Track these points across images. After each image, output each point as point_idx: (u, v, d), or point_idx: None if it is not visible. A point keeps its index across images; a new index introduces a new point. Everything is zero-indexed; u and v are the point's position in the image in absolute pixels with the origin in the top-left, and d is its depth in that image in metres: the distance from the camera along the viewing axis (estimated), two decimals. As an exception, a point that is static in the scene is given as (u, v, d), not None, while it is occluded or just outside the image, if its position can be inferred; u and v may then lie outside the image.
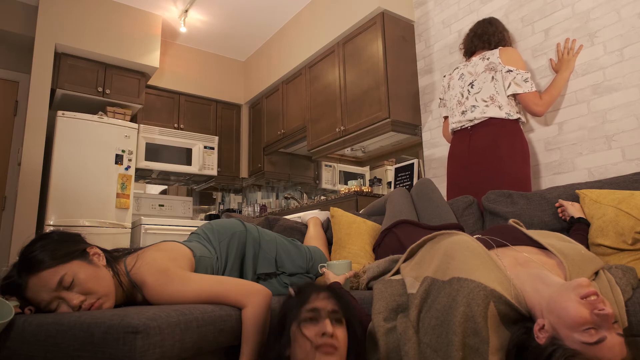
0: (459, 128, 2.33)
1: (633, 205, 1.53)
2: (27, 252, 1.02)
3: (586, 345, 0.88)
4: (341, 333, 0.95)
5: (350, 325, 1.00)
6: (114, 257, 1.16)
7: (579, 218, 1.66)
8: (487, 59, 2.28)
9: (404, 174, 3.07)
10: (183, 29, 4.00)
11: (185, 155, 4.09)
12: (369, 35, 3.17)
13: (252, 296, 1.08)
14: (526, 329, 1.01)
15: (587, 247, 1.56)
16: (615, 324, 0.91)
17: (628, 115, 2.05)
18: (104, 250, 1.15)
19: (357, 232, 1.93)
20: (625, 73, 2.08)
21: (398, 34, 3.16)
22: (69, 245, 1.07)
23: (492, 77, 2.24)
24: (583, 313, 0.89)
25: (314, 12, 3.75)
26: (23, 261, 1.01)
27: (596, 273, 1.21)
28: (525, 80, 2.17)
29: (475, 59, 2.36)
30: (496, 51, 2.27)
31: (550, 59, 2.36)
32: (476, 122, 2.25)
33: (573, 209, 1.72)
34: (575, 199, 1.80)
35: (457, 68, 2.46)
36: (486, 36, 2.36)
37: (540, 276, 1.06)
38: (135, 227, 3.51)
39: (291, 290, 1.03)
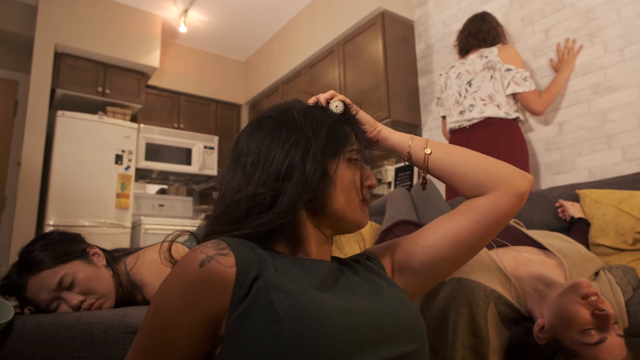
0: (457, 127, 2.32)
1: (633, 205, 1.53)
2: (26, 252, 1.02)
3: (586, 346, 0.88)
4: None
5: None
6: (114, 257, 1.16)
7: (579, 218, 1.67)
8: (486, 57, 2.27)
9: (404, 174, 3.07)
10: (183, 29, 3.99)
11: (185, 155, 4.09)
12: (369, 35, 3.17)
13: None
14: (526, 330, 1.01)
15: (588, 247, 1.56)
16: (616, 325, 0.91)
17: (628, 115, 2.05)
18: (104, 251, 1.15)
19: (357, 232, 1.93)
20: (625, 73, 2.08)
21: (398, 34, 3.15)
22: (69, 245, 1.07)
23: (491, 76, 2.23)
24: (583, 314, 0.89)
25: (314, 12, 3.75)
26: (23, 261, 1.01)
27: (596, 273, 1.21)
28: (525, 79, 2.17)
29: (472, 56, 2.35)
30: (494, 49, 2.26)
31: (551, 59, 2.36)
32: (474, 121, 2.24)
33: (573, 209, 1.72)
34: (576, 199, 1.80)
35: (454, 66, 2.44)
36: (481, 34, 2.35)
37: (540, 276, 1.06)
38: (135, 227, 3.51)
39: (333, 102, 0.74)
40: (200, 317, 0.54)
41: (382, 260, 0.77)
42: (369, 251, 0.79)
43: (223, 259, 0.55)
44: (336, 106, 0.74)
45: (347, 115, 0.75)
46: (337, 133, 0.70)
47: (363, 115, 0.78)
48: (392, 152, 0.79)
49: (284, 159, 0.65)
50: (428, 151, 0.75)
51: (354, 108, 0.78)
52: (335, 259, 0.75)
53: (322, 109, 0.73)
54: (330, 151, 0.67)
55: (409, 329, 0.61)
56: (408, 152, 0.76)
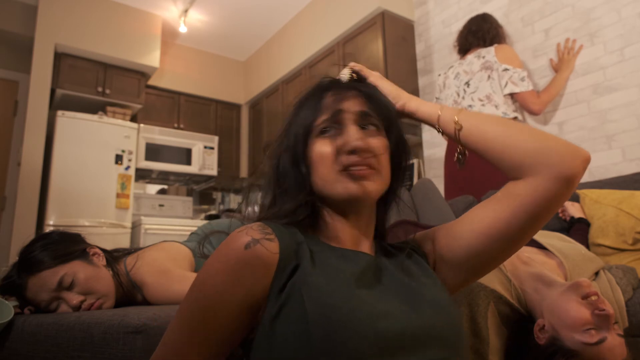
0: (457, 128, 2.33)
1: (633, 205, 1.53)
2: (26, 252, 1.02)
3: (586, 345, 0.88)
4: (379, 143, 0.63)
5: (393, 135, 0.67)
6: (114, 257, 1.16)
7: (579, 218, 1.66)
8: (483, 57, 2.27)
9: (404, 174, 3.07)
10: (183, 29, 3.99)
11: (185, 155, 4.09)
12: (369, 35, 3.17)
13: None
14: (526, 330, 1.01)
15: (588, 247, 1.56)
16: (616, 325, 0.91)
17: (628, 115, 2.05)
18: (104, 251, 1.15)
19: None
20: (625, 73, 2.07)
21: (398, 34, 3.15)
22: (69, 245, 1.07)
23: (489, 76, 2.23)
24: (584, 313, 0.89)
25: (314, 12, 3.75)
26: (23, 261, 1.01)
27: (596, 273, 1.21)
28: (522, 79, 2.17)
29: (470, 57, 2.35)
30: (492, 49, 2.26)
31: (551, 59, 2.36)
32: None
33: (573, 209, 1.72)
34: (576, 199, 1.80)
35: (452, 67, 2.45)
36: (480, 33, 2.35)
37: (540, 276, 1.06)
38: (135, 227, 3.51)
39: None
40: (242, 298, 0.54)
41: (425, 249, 0.70)
42: (415, 239, 0.72)
43: (268, 244, 0.56)
44: (343, 74, 0.70)
45: (334, 82, 0.69)
46: (305, 111, 0.65)
47: (385, 86, 0.71)
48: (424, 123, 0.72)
49: (277, 153, 0.68)
50: (458, 125, 0.65)
51: (366, 73, 0.72)
52: (379, 246, 0.69)
53: (316, 86, 0.69)
54: (302, 135, 0.64)
55: (445, 336, 0.56)
56: (438, 125, 0.68)
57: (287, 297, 0.54)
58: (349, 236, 0.64)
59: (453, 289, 0.68)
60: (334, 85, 0.68)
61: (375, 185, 0.62)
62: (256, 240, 0.56)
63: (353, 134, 0.61)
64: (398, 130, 0.67)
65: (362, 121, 0.64)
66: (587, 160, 0.59)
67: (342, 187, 0.61)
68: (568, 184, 0.58)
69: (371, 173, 0.61)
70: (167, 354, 0.56)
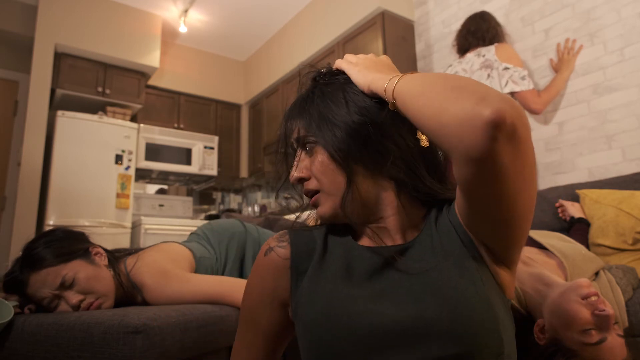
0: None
1: (633, 205, 1.53)
2: (30, 248, 1.03)
3: (586, 346, 0.88)
4: (309, 163, 0.63)
5: (327, 138, 0.61)
6: (115, 257, 1.16)
7: (579, 218, 1.66)
8: (483, 56, 2.26)
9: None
10: (183, 29, 3.99)
11: (185, 155, 4.09)
12: (369, 35, 3.17)
13: (252, 296, 1.08)
14: (526, 329, 1.01)
15: (588, 247, 1.56)
16: (616, 325, 0.91)
17: (628, 115, 2.05)
18: (106, 251, 1.15)
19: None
20: (625, 73, 2.07)
21: (398, 34, 3.15)
22: (72, 244, 1.07)
23: (488, 75, 2.22)
24: (584, 314, 0.89)
25: (314, 12, 3.75)
26: (26, 257, 1.02)
27: (596, 273, 1.21)
28: (523, 78, 2.16)
29: (469, 55, 2.34)
30: (492, 48, 2.25)
31: (551, 59, 2.36)
32: None
33: (573, 209, 1.72)
34: (576, 199, 1.80)
35: (451, 65, 2.44)
36: (480, 33, 2.34)
37: (540, 276, 1.06)
38: (135, 227, 3.51)
39: None
40: (270, 297, 0.64)
41: (461, 221, 0.59)
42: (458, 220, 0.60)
43: (280, 251, 0.64)
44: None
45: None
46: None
47: (353, 74, 0.63)
48: None
49: None
50: (394, 100, 0.55)
51: (337, 65, 0.66)
52: (426, 228, 0.61)
53: None
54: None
55: (455, 330, 0.51)
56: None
57: (299, 298, 0.60)
58: (377, 234, 0.63)
59: (500, 265, 0.58)
60: (285, 119, 0.68)
61: (326, 207, 0.63)
62: (271, 248, 0.65)
63: (294, 168, 0.65)
64: (330, 128, 0.60)
65: (302, 147, 0.65)
66: (490, 123, 0.42)
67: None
68: (480, 165, 0.45)
69: (318, 197, 0.64)
70: (232, 354, 0.69)
